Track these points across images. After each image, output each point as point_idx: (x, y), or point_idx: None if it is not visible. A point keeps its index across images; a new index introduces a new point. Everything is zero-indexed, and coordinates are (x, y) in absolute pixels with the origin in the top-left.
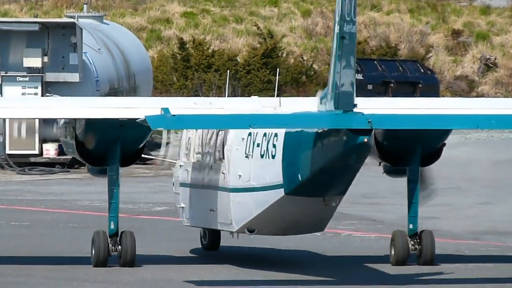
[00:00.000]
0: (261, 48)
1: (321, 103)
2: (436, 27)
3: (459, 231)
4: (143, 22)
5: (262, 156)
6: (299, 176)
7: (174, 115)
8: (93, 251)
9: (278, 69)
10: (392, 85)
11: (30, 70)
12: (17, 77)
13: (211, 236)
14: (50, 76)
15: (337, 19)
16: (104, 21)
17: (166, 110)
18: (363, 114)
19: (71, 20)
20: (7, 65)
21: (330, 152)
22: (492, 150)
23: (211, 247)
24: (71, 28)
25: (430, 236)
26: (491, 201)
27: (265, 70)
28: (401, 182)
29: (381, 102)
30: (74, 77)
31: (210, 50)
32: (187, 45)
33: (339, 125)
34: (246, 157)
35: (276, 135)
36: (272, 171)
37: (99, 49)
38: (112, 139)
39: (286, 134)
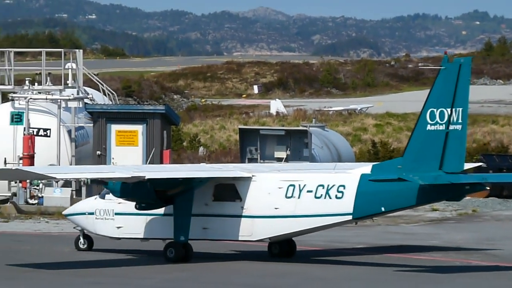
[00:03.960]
0: None
1: (388, 169)
2: None
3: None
4: (350, 130)
5: (317, 197)
6: (382, 209)
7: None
8: (172, 254)
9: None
10: (504, 170)
11: (279, 159)
12: None
13: (89, 240)
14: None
15: (447, 120)
16: (325, 128)
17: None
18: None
19: (305, 128)
20: (264, 155)
21: (438, 195)
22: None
23: (89, 248)
24: (304, 133)
25: (294, 242)
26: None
27: None
28: (492, 233)
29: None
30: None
31: (391, 147)
32: (377, 145)
33: (470, 181)
34: (288, 198)
35: (343, 185)
36: (338, 205)
37: (321, 147)
38: (193, 187)
39: (362, 184)
